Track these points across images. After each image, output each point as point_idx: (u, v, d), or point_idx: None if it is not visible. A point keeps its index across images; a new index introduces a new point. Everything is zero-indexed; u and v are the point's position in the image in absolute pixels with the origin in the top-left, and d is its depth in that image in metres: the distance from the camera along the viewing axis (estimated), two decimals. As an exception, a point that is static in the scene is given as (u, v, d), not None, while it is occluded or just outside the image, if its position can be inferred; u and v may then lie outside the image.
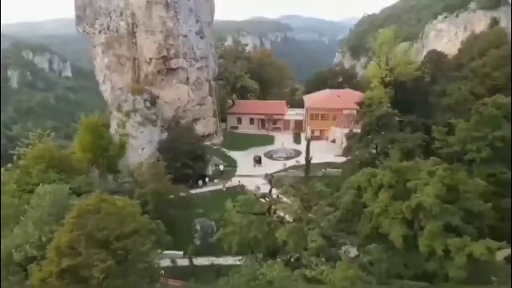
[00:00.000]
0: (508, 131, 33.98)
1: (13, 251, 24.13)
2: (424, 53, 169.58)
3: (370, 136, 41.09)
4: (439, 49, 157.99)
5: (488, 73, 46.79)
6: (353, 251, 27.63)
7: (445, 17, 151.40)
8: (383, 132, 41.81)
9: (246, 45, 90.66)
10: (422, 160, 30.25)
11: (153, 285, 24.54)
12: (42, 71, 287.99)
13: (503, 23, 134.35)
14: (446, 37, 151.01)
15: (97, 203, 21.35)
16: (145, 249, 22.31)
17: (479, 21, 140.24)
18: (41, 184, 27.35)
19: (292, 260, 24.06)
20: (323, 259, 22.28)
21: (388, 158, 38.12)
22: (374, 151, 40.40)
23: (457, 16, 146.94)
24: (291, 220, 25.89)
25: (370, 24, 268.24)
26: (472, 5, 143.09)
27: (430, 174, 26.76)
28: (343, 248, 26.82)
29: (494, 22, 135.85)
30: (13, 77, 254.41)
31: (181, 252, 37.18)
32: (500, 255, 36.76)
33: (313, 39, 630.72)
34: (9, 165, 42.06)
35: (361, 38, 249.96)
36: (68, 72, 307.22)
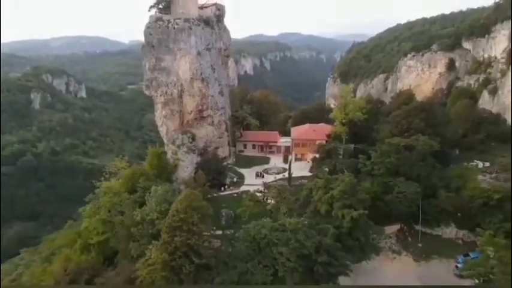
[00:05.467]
0: (393, 159, 62.67)
1: (145, 215, 52.52)
2: (398, 84, 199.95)
3: (324, 160, 69.64)
4: (409, 82, 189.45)
5: (400, 121, 74.66)
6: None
7: (413, 56, 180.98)
8: (332, 157, 70.42)
9: (248, 92, 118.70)
10: (342, 174, 58.54)
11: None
12: (60, 93, 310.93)
13: (458, 63, 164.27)
14: (414, 72, 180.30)
15: (190, 193, 49.83)
16: (209, 215, 51.01)
17: (440, 60, 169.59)
18: (153, 186, 55.96)
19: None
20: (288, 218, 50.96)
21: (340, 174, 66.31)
22: (326, 169, 68.71)
23: (422, 55, 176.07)
24: (274, 202, 54.48)
25: (357, 53, 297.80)
26: (434, 46, 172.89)
27: (342, 181, 55.23)
28: (301, 218, 55.29)
29: (451, 62, 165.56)
30: (35, 99, 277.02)
31: (213, 227, 65.10)
32: (394, 228, 65.60)
33: (311, 57, 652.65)
34: (102, 178, 70.78)
35: (350, 64, 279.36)
36: (83, 93, 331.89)
